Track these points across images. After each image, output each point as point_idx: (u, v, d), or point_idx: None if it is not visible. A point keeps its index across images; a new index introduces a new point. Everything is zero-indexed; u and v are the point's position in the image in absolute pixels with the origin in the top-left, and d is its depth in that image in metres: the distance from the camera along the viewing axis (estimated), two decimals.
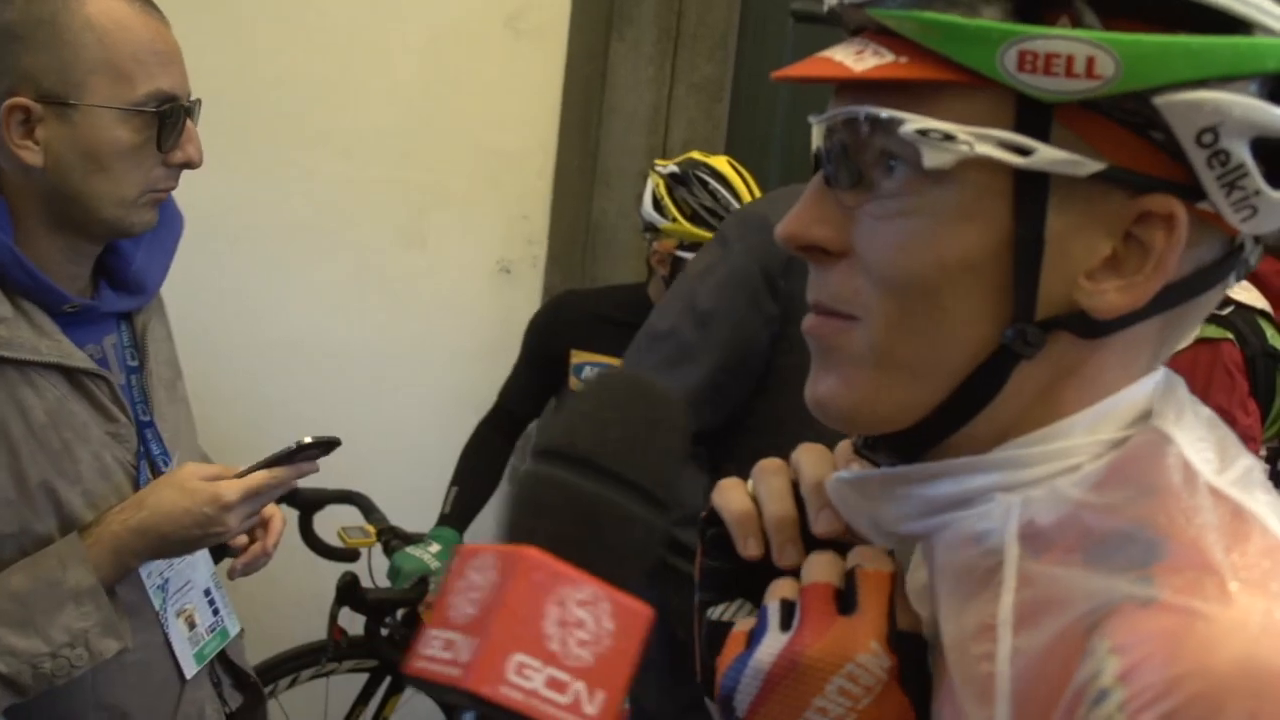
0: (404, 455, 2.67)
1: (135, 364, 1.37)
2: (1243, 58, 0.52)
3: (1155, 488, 0.54)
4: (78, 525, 1.24)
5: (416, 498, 2.42)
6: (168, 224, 1.38)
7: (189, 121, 1.27)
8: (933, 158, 0.55)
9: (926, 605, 0.64)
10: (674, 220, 2.26)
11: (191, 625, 1.40)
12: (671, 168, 2.31)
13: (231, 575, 1.51)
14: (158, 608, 1.35)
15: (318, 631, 2.25)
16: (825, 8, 0.61)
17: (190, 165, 1.28)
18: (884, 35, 0.58)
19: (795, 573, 0.64)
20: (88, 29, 1.18)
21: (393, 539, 2.35)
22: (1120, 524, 0.54)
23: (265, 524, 1.50)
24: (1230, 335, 2.79)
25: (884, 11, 0.57)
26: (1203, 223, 0.56)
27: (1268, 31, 0.53)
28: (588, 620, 0.48)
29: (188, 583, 1.41)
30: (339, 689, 2.40)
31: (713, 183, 2.27)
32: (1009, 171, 0.55)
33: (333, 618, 2.24)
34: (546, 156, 2.75)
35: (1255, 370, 2.82)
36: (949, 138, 0.55)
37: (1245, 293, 2.89)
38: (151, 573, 1.34)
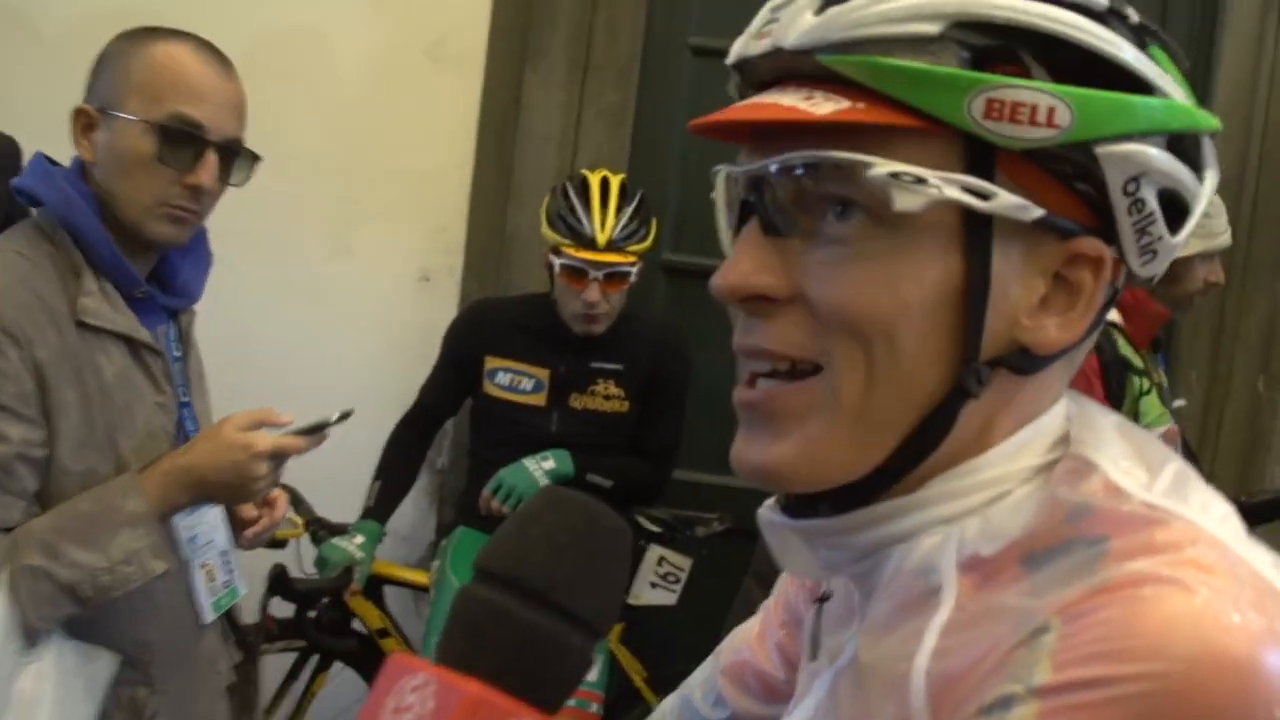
0: (330, 450, 2.76)
1: (179, 354, 1.58)
2: (1159, 116, 0.56)
3: (1089, 508, 0.54)
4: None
5: (341, 490, 2.50)
6: (202, 252, 1.60)
7: (210, 154, 1.43)
8: (904, 200, 0.54)
9: (844, 630, 0.64)
10: (543, 225, 2.40)
11: (211, 579, 1.58)
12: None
13: (243, 545, 1.68)
14: (186, 557, 1.53)
15: (249, 615, 2.36)
16: (735, 59, 0.61)
17: (200, 189, 1.43)
18: (823, 83, 0.57)
19: None
20: (145, 58, 1.42)
21: (320, 529, 2.45)
22: (1061, 539, 0.53)
23: (272, 502, 1.69)
24: None
25: (837, 58, 0.56)
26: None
27: (1163, 95, 0.56)
28: None
29: (210, 541, 1.59)
30: (269, 668, 2.46)
31: (572, 194, 2.36)
32: (958, 215, 0.55)
33: (264, 606, 2.34)
34: (464, 174, 2.85)
35: (1109, 376, 3.02)
36: (920, 181, 0.54)
37: None
38: (183, 526, 1.52)
